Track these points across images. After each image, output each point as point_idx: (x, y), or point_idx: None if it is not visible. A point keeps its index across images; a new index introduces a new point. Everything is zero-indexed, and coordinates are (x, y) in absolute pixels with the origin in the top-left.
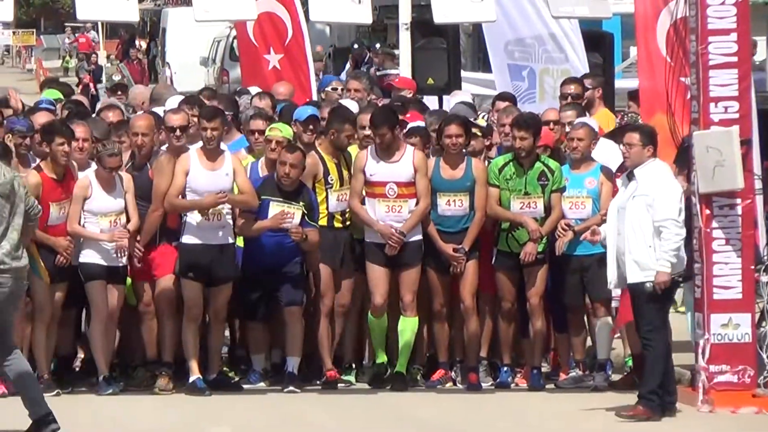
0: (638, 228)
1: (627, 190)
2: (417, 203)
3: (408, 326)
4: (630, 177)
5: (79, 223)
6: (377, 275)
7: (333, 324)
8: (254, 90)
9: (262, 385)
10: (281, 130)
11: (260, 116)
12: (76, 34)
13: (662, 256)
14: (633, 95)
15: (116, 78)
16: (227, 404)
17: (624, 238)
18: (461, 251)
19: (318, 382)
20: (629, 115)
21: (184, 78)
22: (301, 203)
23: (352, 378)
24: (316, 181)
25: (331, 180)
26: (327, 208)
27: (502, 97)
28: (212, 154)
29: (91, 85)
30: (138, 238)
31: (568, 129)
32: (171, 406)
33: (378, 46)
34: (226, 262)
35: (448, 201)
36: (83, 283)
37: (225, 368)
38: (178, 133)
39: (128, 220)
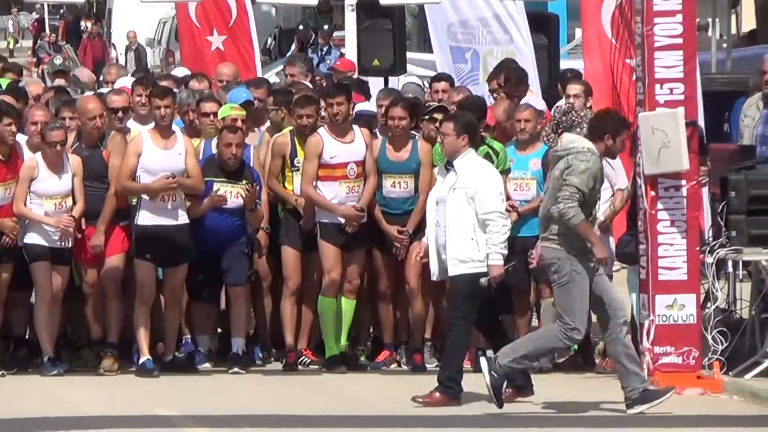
0: (459, 221)
1: (446, 182)
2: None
3: (350, 308)
4: (448, 168)
5: (25, 205)
6: (332, 253)
7: (299, 306)
8: (182, 72)
9: (207, 366)
10: (242, 110)
11: (211, 98)
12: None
13: (493, 249)
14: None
15: (57, 62)
16: (175, 385)
17: (444, 230)
18: (405, 233)
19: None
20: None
21: (129, 58)
22: (245, 182)
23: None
24: (284, 163)
25: (298, 162)
26: (293, 191)
27: (439, 78)
28: (165, 133)
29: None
30: (83, 221)
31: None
32: (119, 387)
33: (326, 27)
34: (181, 242)
35: (393, 183)
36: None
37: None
38: (120, 114)
39: (74, 203)
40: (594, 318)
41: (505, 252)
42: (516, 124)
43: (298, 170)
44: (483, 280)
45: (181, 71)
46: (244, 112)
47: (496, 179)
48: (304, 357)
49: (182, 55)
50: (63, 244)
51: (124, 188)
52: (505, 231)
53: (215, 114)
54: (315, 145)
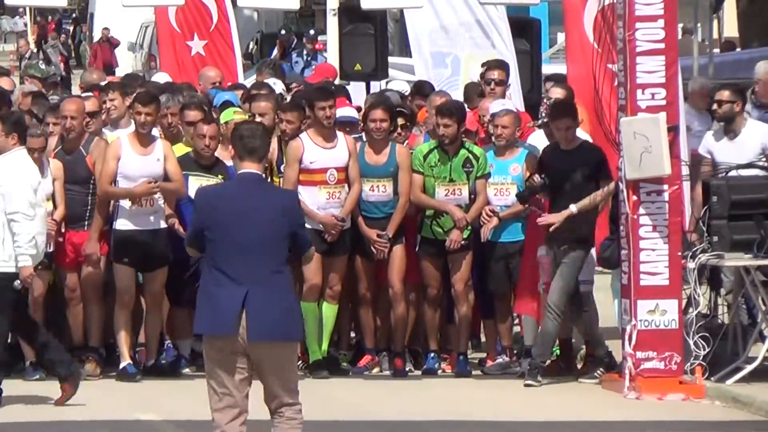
0: None
1: None
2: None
3: (332, 313)
4: None
5: None
6: (313, 260)
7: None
8: (162, 77)
9: (187, 371)
10: (245, 114)
11: (196, 106)
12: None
13: (19, 251)
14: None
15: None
16: (157, 390)
17: None
18: (384, 237)
19: None
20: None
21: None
22: (219, 176)
23: None
24: (271, 168)
25: (284, 168)
26: None
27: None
28: (144, 139)
29: (62, 65)
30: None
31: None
32: (100, 392)
33: (312, 32)
34: (159, 246)
35: (372, 186)
36: None
37: None
38: (87, 118)
39: (54, 208)
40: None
41: (34, 252)
42: (494, 130)
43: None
44: (16, 282)
45: (161, 77)
46: (247, 117)
47: (27, 179)
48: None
49: (161, 60)
50: (44, 247)
51: (105, 193)
52: (30, 231)
53: (199, 122)
54: (295, 149)
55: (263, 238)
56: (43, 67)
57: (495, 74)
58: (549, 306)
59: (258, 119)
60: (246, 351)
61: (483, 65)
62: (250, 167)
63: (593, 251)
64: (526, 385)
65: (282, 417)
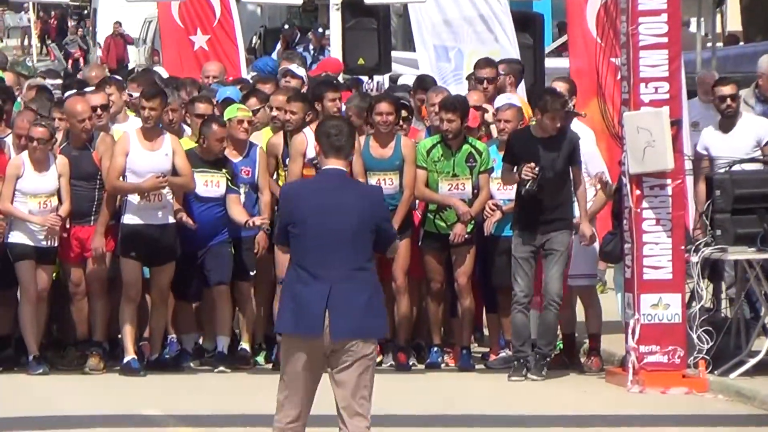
0: None
1: None
2: None
3: None
4: None
5: (12, 204)
6: None
7: None
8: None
9: (191, 365)
10: (248, 110)
11: (206, 99)
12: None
13: None
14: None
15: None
16: (160, 385)
17: None
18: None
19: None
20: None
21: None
22: (224, 171)
23: (261, 358)
24: (277, 162)
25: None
26: None
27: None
28: (151, 134)
29: (81, 60)
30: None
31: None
32: (104, 386)
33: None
34: (167, 241)
35: (378, 180)
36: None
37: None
38: (99, 112)
39: (60, 203)
40: (582, 317)
41: None
42: (498, 125)
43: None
44: None
45: (158, 72)
46: (251, 113)
47: None
48: None
49: (164, 55)
50: (48, 243)
51: (114, 188)
52: None
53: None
54: (299, 144)
55: (347, 233)
56: (30, 64)
57: (485, 72)
58: (551, 297)
59: (275, 113)
60: (326, 351)
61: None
62: (335, 164)
63: (596, 245)
64: (529, 380)
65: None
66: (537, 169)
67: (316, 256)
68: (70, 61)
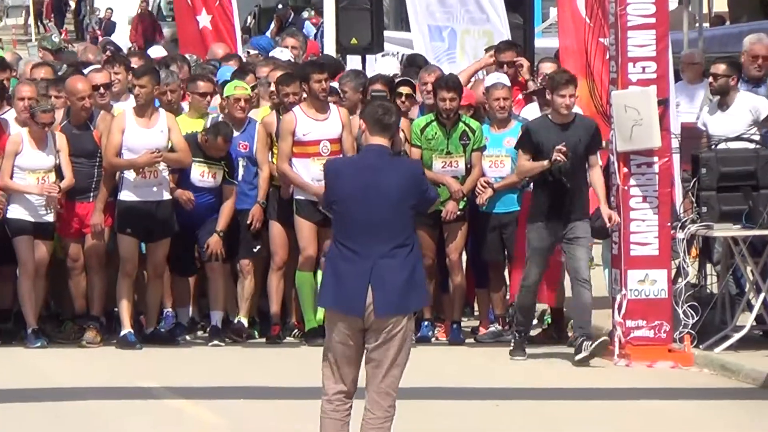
0: None
1: None
2: None
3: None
4: None
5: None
6: (308, 230)
7: (287, 280)
8: (157, 51)
9: (186, 338)
10: (246, 88)
11: (206, 77)
12: None
13: None
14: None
15: (56, 39)
16: (156, 358)
17: None
18: None
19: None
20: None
21: (113, 38)
22: (222, 162)
23: (255, 332)
24: (271, 141)
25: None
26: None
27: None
28: (146, 111)
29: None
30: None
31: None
32: (101, 359)
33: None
34: (163, 217)
35: None
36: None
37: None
38: (101, 90)
39: (61, 179)
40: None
41: None
42: (494, 103)
43: None
44: None
45: (155, 51)
46: (248, 91)
47: None
48: (296, 330)
49: (179, 35)
50: (47, 211)
51: (111, 164)
52: None
53: (210, 94)
54: (288, 123)
55: (389, 211)
56: (55, 39)
57: (508, 55)
58: (582, 280)
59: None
60: (365, 326)
61: (489, 49)
62: (379, 141)
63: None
64: (579, 362)
65: (373, 416)
66: (564, 152)
67: (357, 233)
68: (88, 39)
